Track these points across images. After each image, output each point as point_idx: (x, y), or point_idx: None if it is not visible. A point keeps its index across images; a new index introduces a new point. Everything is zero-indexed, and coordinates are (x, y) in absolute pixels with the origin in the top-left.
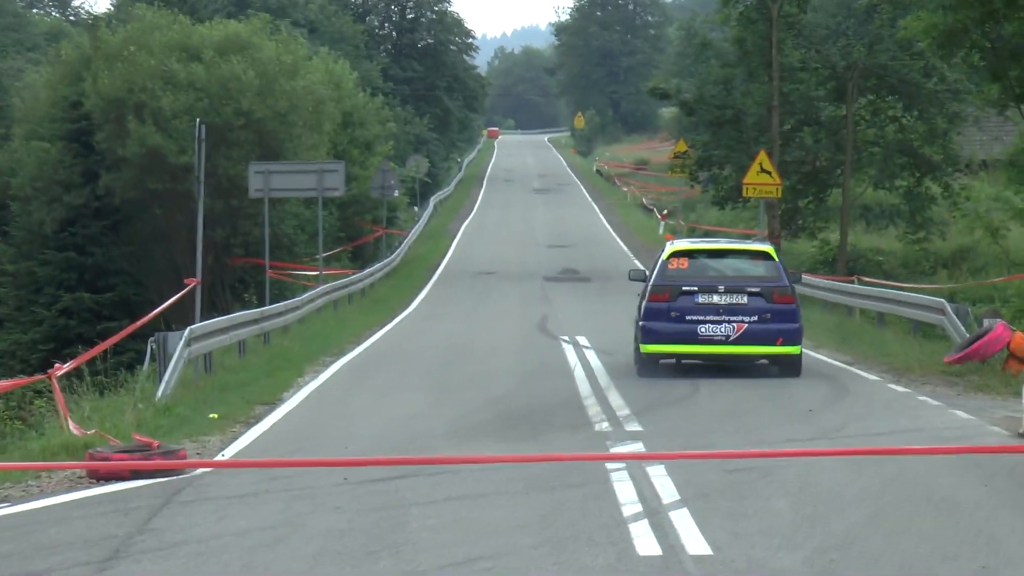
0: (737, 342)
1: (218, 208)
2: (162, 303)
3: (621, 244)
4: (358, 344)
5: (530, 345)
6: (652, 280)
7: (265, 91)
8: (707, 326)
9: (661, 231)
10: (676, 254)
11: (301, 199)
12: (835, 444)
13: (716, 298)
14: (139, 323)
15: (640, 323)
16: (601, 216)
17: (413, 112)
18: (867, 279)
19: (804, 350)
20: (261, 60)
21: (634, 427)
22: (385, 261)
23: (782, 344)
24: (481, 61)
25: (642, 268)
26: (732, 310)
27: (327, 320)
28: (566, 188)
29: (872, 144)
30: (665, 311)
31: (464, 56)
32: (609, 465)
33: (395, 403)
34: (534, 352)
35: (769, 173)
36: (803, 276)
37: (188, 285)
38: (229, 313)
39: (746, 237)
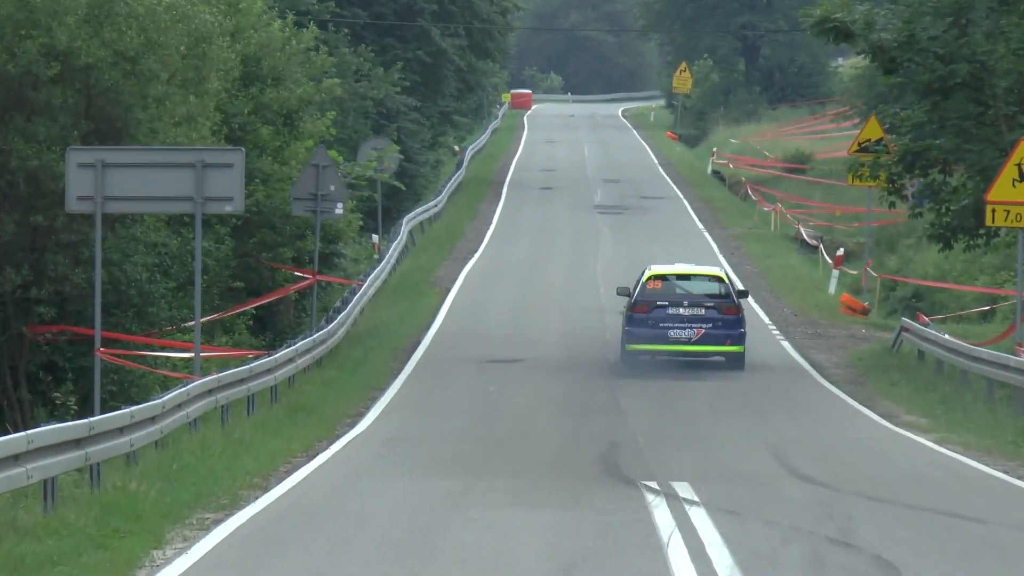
0: (697, 343)
1: (9, 231)
2: None
3: (759, 311)
4: (264, 490)
5: (583, 498)
6: (635, 297)
7: (99, 15)
8: (675, 330)
9: (833, 288)
10: (652, 278)
11: (163, 217)
12: None
13: (682, 310)
14: None
15: (626, 328)
16: (723, 259)
17: (374, 58)
18: None
19: None
20: None
21: None
22: (316, 335)
23: (729, 344)
24: None
25: (626, 285)
26: (693, 319)
27: (209, 443)
28: (656, 204)
29: None
30: (644, 319)
31: None
32: None
33: None
34: (591, 512)
35: None
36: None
37: None
38: (27, 427)
39: (992, 301)
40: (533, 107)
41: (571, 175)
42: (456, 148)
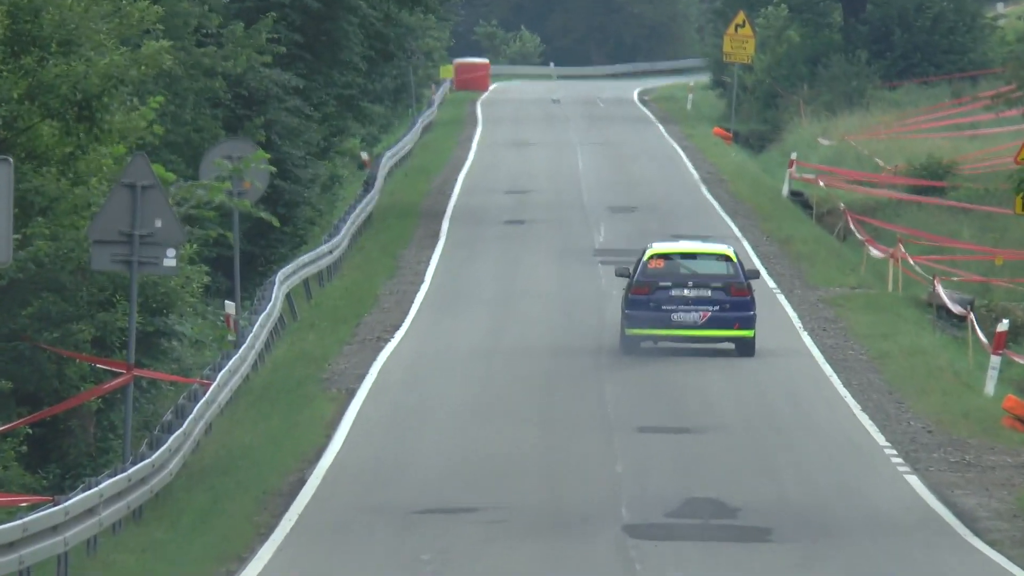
0: (703, 327)
1: None
2: None
3: (868, 426)
4: None
5: None
6: (635, 277)
7: None
8: (679, 314)
9: (991, 387)
10: (655, 256)
11: None
12: None
13: (686, 291)
14: None
15: (625, 311)
16: (808, 338)
17: (228, 7)
18: None
19: None
20: None
21: None
22: (133, 470)
23: (738, 328)
24: None
25: (626, 266)
26: (699, 301)
27: None
28: None
29: None
30: (645, 302)
31: None
32: None
33: None
34: None
35: None
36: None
37: None
38: None
39: None
40: (492, 86)
41: (557, 200)
42: (364, 156)
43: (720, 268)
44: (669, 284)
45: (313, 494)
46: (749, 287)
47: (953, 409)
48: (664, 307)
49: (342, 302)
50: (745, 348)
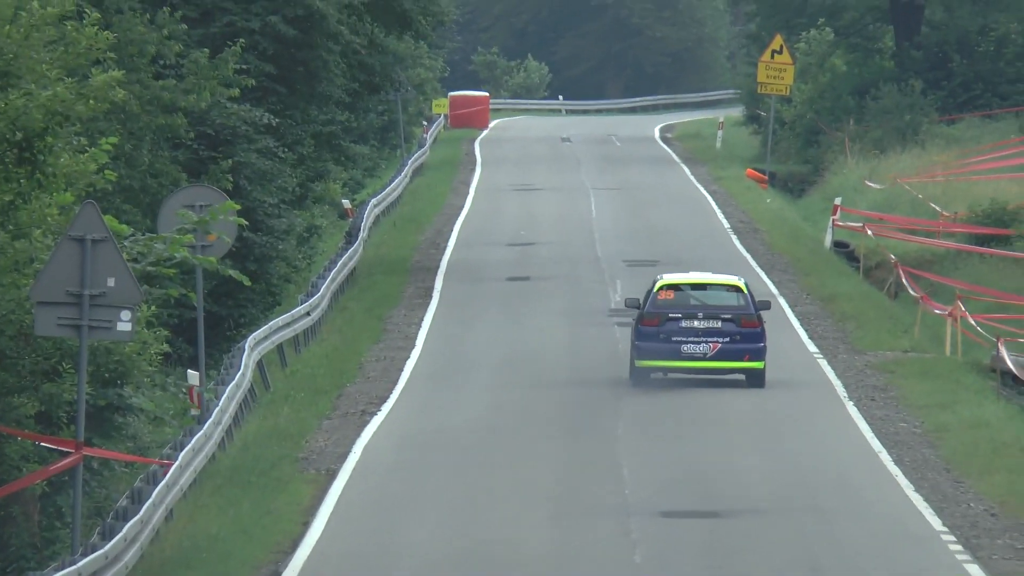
0: (713, 358)
1: None
2: None
3: (924, 510)
4: None
5: None
6: (645, 308)
7: None
8: (689, 345)
9: None
10: (664, 287)
11: None
12: None
13: (696, 323)
14: None
15: (635, 343)
16: (849, 407)
17: (188, 33)
18: None
19: None
20: None
21: None
22: (83, 564)
23: (748, 360)
24: None
25: (636, 297)
26: (709, 332)
27: None
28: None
29: None
30: (655, 333)
31: None
32: None
33: None
34: None
35: None
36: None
37: None
38: None
39: None
40: (492, 123)
41: (566, 253)
42: (347, 204)
43: (731, 299)
44: (679, 315)
45: None
46: (759, 318)
47: (1020, 489)
48: (674, 338)
49: (321, 371)
50: (755, 380)
